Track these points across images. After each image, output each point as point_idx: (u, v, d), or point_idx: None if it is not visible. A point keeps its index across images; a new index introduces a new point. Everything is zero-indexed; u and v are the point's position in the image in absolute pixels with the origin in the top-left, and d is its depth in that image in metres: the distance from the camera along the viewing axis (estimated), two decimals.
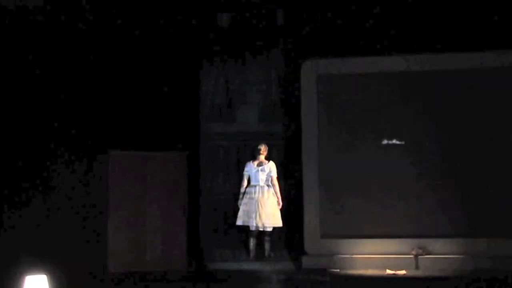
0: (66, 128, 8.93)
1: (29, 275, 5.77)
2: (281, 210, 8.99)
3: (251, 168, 9.08)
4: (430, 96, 9.29)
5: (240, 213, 9.00)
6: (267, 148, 9.17)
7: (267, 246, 9.06)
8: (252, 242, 9.09)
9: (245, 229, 9.12)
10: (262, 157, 9.09)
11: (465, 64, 9.24)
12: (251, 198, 8.96)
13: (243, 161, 9.62)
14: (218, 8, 9.68)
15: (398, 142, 9.33)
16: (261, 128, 9.83)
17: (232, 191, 9.53)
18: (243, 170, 9.28)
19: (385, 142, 9.36)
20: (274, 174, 8.99)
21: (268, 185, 8.97)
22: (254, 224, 8.92)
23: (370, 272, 8.67)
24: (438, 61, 9.27)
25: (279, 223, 8.97)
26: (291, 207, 9.21)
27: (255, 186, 9.01)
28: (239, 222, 9.01)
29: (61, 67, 8.99)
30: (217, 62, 9.86)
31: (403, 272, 8.55)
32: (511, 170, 9.03)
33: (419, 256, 8.84)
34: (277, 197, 8.96)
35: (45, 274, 5.88)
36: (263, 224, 8.90)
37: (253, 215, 8.90)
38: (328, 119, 9.47)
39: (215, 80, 9.91)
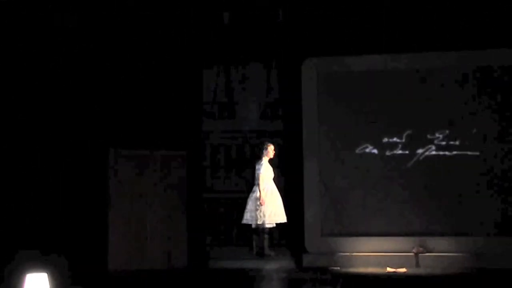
0: (66, 127, 8.93)
1: (29, 273, 5.77)
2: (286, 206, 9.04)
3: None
4: (431, 94, 9.28)
5: (244, 212, 9.06)
6: (266, 146, 9.15)
7: (266, 243, 9.07)
8: (254, 240, 9.10)
9: (249, 226, 9.14)
10: (264, 157, 9.11)
11: (468, 62, 9.23)
12: (252, 197, 9.00)
13: (244, 159, 9.66)
14: (219, 7, 9.67)
15: (398, 140, 9.32)
16: (262, 126, 9.83)
17: (233, 188, 9.55)
18: (244, 167, 9.36)
19: (385, 140, 9.35)
20: (258, 171, 9.00)
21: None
22: (255, 222, 8.94)
23: (370, 270, 8.68)
24: (440, 59, 9.26)
25: (278, 219, 8.98)
26: (292, 205, 9.18)
27: (255, 185, 9.05)
28: (243, 221, 9.04)
29: (62, 66, 8.99)
30: (218, 60, 9.86)
31: (403, 270, 8.55)
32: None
33: (420, 254, 8.84)
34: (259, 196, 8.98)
35: (46, 272, 5.88)
36: (263, 221, 8.92)
37: (253, 214, 8.92)
38: (329, 117, 9.46)
39: (216, 78, 9.92)
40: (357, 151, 9.40)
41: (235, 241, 9.59)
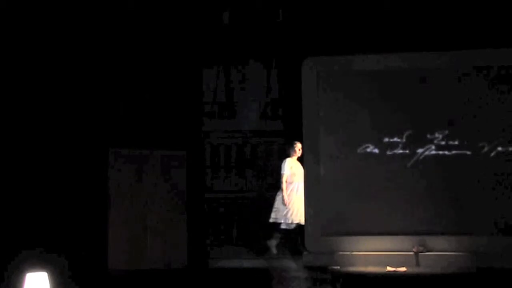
0: (66, 126, 8.93)
1: (29, 272, 5.78)
2: None
3: None
4: (431, 94, 9.28)
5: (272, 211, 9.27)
6: (293, 145, 9.27)
7: (273, 242, 9.15)
8: (275, 238, 9.20)
9: (251, 226, 9.23)
10: (291, 156, 9.30)
11: (468, 62, 9.21)
12: (280, 195, 9.24)
13: (244, 158, 9.68)
14: (219, 7, 9.68)
15: (398, 140, 9.33)
16: (262, 126, 9.85)
17: (233, 188, 9.57)
18: (244, 167, 9.40)
19: (386, 139, 9.36)
20: (281, 171, 9.18)
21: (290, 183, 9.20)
22: (283, 221, 9.13)
23: (370, 269, 8.68)
24: (440, 59, 9.25)
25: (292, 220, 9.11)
26: None
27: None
28: (270, 219, 9.22)
29: (61, 64, 8.98)
30: (218, 60, 9.88)
31: (403, 269, 8.56)
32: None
33: (420, 253, 8.83)
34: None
35: (46, 271, 5.88)
36: (290, 221, 9.09)
37: (280, 213, 9.07)
38: (329, 116, 9.45)
39: (216, 78, 9.94)
40: (359, 150, 9.40)
41: (235, 241, 9.60)
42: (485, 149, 9.09)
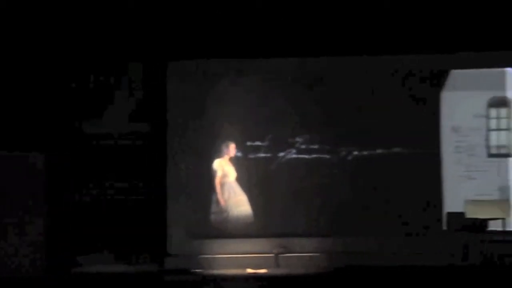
0: None
1: None
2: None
3: None
4: (293, 99, 9.45)
5: None
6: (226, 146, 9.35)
7: None
8: None
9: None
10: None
11: (325, 69, 9.50)
12: None
13: (107, 163, 9.53)
14: None
15: (260, 143, 9.49)
16: (129, 128, 9.72)
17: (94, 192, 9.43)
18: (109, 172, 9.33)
19: (248, 143, 9.50)
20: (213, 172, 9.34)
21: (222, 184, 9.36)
22: None
23: (232, 271, 8.76)
24: (297, 65, 9.45)
25: None
26: (154, 208, 9.18)
27: None
28: None
29: None
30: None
31: (264, 271, 8.71)
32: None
33: (280, 255, 9.01)
34: None
35: None
36: None
37: None
38: (191, 121, 9.49)
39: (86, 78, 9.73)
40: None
41: (98, 247, 9.39)
42: (343, 153, 9.44)
